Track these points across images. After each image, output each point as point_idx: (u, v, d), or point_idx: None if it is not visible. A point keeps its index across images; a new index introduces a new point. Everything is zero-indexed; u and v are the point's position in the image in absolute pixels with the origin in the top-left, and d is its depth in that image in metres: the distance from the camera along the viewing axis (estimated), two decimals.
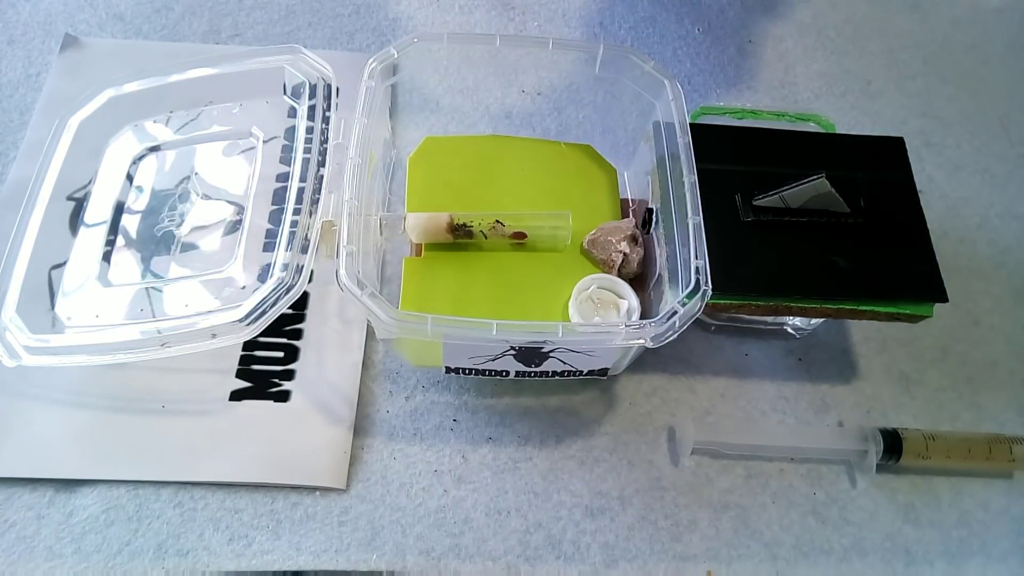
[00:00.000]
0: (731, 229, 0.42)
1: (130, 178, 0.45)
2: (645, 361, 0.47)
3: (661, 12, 0.62)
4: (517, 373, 0.42)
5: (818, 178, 0.41)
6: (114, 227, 0.44)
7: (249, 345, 0.45)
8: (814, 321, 0.47)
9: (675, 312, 0.35)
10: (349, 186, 0.37)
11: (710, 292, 0.36)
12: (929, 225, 0.43)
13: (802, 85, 0.60)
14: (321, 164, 0.40)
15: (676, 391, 0.46)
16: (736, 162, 0.44)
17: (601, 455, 0.44)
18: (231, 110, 0.46)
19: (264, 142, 0.46)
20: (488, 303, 0.41)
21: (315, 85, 0.43)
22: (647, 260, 0.43)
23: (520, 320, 0.35)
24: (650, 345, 0.35)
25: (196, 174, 0.45)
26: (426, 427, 0.44)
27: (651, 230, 0.43)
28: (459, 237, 0.42)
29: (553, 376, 0.42)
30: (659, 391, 0.46)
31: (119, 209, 0.44)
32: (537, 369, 0.41)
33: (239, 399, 0.43)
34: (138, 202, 0.45)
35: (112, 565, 0.39)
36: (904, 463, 0.44)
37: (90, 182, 0.45)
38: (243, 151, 0.46)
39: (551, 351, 0.38)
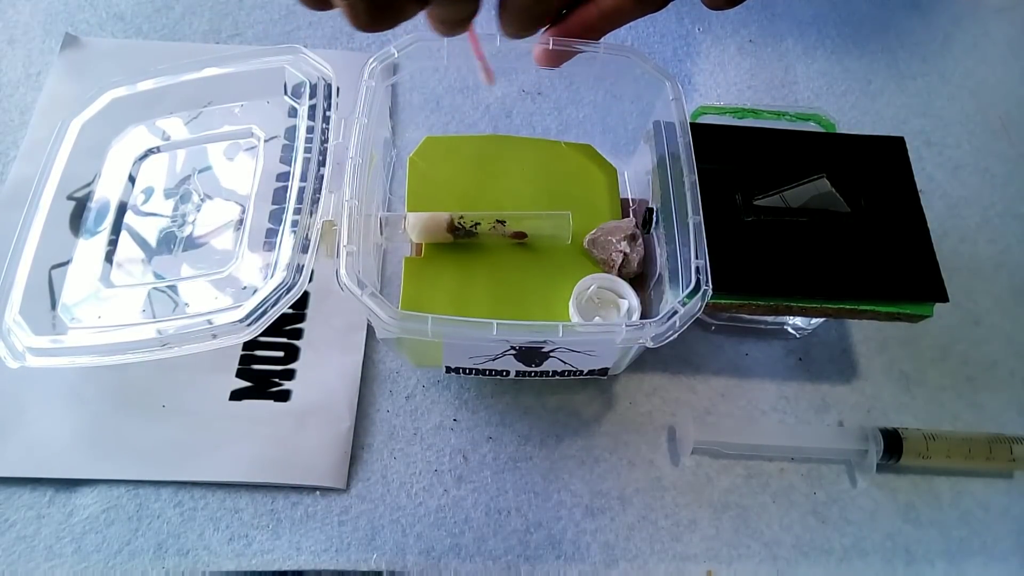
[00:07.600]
0: (731, 229, 0.42)
1: (132, 178, 0.45)
2: (645, 361, 0.47)
3: (661, 12, 0.62)
4: (517, 373, 0.42)
5: (818, 178, 0.41)
6: (116, 228, 0.44)
7: (249, 345, 0.45)
8: (814, 321, 0.47)
9: (675, 312, 0.35)
10: (349, 186, 0.37)
11: (710, 292, 0.35)
12: (929, 225, 0.43)
13: (802, 85, 0.60)
14: (321, 164, 0.40)
15: (676, 391, 0.46)
16: (736, 162, 0.44)
17: (601, 455, 0.44)
18: (232, 110, 0.46)
19: (265, 142, 0.46)
20: (488, 303, 0.41)
21: (315, 85, 0.43)
22: (647, 260, 0.43)
23: (520, 320, 0.35)
24: (650, 345, 0.35)
25: (197, 174, 0.45)
26: (426, 427, 0.44)
27: (651, 230, 0.43)
28: (459, 237, 0.42)
29: (553, 376, 0.42)
30: (659, 391, 0.46)
31: (121, 210, 0.44)
32: (537, 369, 0.41)
33: (239, 399, 0.43)
34: (140, 202, 0.45)
35: (112, 565, 0.39)
36: (904, 463, 0.44)
37: (91, 182, 0.45)
38: (244, 151, 0.46)
39: (551, 351, 0.38)
